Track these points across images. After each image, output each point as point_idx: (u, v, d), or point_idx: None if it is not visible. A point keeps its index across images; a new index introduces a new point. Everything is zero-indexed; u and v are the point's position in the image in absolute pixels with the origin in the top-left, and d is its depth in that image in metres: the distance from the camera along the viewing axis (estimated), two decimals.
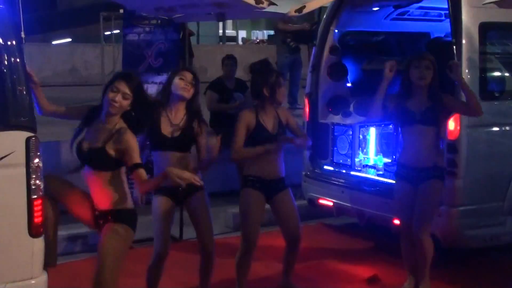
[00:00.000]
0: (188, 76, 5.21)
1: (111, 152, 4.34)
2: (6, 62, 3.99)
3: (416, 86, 5.47)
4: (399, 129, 5.63)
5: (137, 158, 4.35)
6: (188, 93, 5.18)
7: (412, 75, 5.45)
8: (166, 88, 5.26)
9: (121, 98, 4.36)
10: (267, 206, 5.53)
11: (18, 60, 4.05)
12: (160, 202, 5.19)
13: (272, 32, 26.22)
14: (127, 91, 4.37)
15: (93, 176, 4.42)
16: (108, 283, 4.33)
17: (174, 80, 5.20)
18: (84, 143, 4.47)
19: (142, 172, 4.34)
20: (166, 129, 5.16)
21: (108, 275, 4.33)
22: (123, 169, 4.45)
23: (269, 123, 5.38)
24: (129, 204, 4.49)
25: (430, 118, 5.45)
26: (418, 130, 5.45)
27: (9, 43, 4.02)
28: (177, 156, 5.16)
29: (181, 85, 5.16)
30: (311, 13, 5.99)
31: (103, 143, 4.36)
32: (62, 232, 6.78)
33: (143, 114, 4.49)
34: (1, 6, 4.06)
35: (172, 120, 5.19)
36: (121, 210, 4.43)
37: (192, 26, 17.98)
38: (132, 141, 4.36)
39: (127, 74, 4.56)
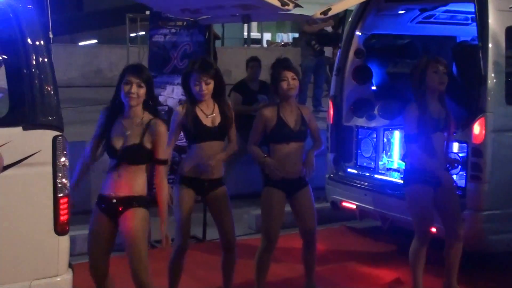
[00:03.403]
0: (204, 78, 5.14)
1: (148, 145, 4.55)
2: (34, 62, 4.05)
3: (433, 90, 5.44)
4: (418, 136, 5.49)
5: (163, 154, 4.61)
6: (207, 95, 5.18)
7: (432, 80, 5.41)
8: (186, 88, 5.27)
9: (136, 88, 4.50)
10: (288, 208, 5.55)
11: (46, 60, 4.10)
12: (184, 194, 5.24)
13: (296, 35, 26.17)
14: (138, 80, 4.51)
15: (124, 168, 4.55)
16: (147, 263, 4.54)
17: (190, 84, 5.19)
18: (114, 141, 4.56)
19: (164, 170, 4.66)
20: (206, 120, 5.20)
21: (145, 255, 4.53)
22: None
23: (290, 119, 5.40)
24: (146, 191, 4.66)
25: (448, 125, 5.57)
26: (439, 137, 5.50)
27: (37, 43, 4.08)
28: (217, 145, 5.25)
29: (197, 90, 5.16)
30: (336, 14, 6.00)
31: (140, 139, 4.52)
32: (84, 231, 6.84)
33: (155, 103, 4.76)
34: (30, 7, 4.12)
35: (206, 112, 5.22)
36: (143, 197, 4.61)
37: (217, 28, 18.01)
38: (164, 135, 4.60)
39: (134, 66, 4.74)
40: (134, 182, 4.56)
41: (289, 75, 5.36)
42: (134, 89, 4.49)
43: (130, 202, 4.55)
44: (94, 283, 4.72)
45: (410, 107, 5.51)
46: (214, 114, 5.22)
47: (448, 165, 5.71)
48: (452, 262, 5.63)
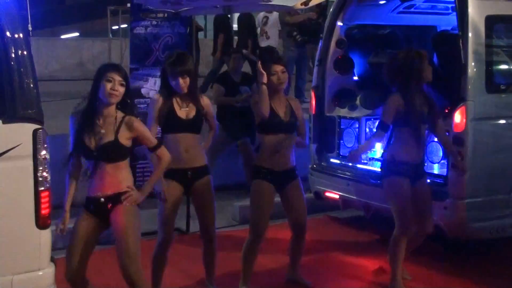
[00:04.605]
0: (180, 72, 5.15)
1: (124, 141, 4.52)
2: (13, 55, 4.01)
3: (423, 81, 5.51)
4: (402, 128, 5.51)
5: (154, 140, 4.72)
6: (185, 88, 5.18)
7: (428, 71, 5.48)
8: (165, 82, 5.25)
9: (119, 85, 4.50)
10: (277, 199, 5.56)
11: (25, 52, 4.07)
12: (169, 187, 5.21)
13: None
14: (120, 78, 4.51)
15: (104, 167, 4.51)
16: (137, 258, 4.49)
17: (169, 78, 5.20)
18: (88, 141, 4.52)
19: (164, 148, 4.75)
20: (180, 112, 5.20)
21: (136, 250, 4.48)
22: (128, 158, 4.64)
23: (280, 110, 5.42)
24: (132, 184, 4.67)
25: (430, 117, 5.59)
26: (422, 129, 5.55)
27: (16, 35, 4.04)
28: (190, 138, 5.23)
29: (174, 84, 5.17)
30: (318, 4, 6.01)
31: (114, 135, 4.49)
32: (69, 225, 6.82)
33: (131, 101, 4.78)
34: None
35: (181, 105, 5.22)
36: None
37: (200, 20, 17.97)
38: (143, 126, 4.67)
39: (113, 64, 4.73)
40: (118, 178, 4.55)
41: (279, 68, 5.37)
42: (117, 86, 4.49)
43: (118, 198, 4.53)
44: (70, 286, 4.64)
45: (394, 97, 5.50)
46: (189, 108, 5.23)
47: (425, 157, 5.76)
48: (410, 248, 5.71)
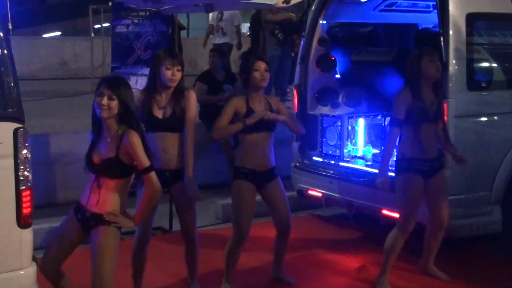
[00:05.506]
0: (176, 64, 5.19)
1: (125, 158, 4.32)
2: None
3: (429, 79, 5.51)
4: (409, 126, 5.50)
5: (144, 161, 4.33)
6: (175, 82, 5.20)
7: (429, 69, 5.47)
8: (153, 75, 5.26)
9: (107, 100, 4.30)
10: (258, 197, 5.57)
11: (5, 51, 4.05)
12: None
13: None
14: (110, 92, 4.31)
15: (103, 182, 4.35)
16: (108, 281, 4.31)
17: (161, 69, 5.20)
18: (94, 155, 4.39)
19: (153, 176, 4.36)
20: (156, 111, 5.19)
21: (108, 273, 4.30)
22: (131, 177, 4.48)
23: (259, 109, 5.41)
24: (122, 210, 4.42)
25: (438, 115, 5.61)
26: (431, 127, 5.55)
27: None
28: (170, 137, 5.20)
29: (168, 75, 5.17)
30: (301, 3, 6.02)
31: (116, 152, 4.31)
32: (52, 224, 6.81)
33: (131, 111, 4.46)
34: None
35: (160, 103, 5.21)
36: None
37: (182, 18, 17.92)
38: (136, 144, 4.31)
39: (110, 78, 4.58)
40: (109, 200, 4.36)
41: (263, 65, 5.37)
42: (105, 100, 4.29)
43: (102, 219, 4.36)
44: (50, 282, 4.57)
45: (403, 93, 5.53)
46: (167, 106, 5.21)
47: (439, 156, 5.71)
48: (433, 247, 5.84)
